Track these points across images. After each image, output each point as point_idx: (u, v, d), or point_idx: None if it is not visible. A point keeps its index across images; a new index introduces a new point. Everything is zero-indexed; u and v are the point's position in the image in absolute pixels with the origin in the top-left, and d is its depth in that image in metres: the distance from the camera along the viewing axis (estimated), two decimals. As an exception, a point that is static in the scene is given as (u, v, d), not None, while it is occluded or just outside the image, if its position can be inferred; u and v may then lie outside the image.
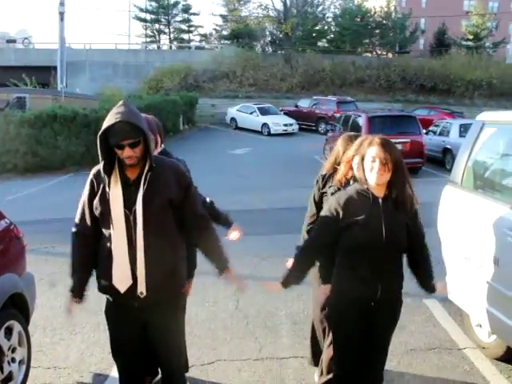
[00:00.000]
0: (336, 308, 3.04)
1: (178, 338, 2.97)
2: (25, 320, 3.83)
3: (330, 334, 3.12)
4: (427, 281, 3.06)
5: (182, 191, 2.72)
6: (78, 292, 2.85)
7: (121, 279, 2.68)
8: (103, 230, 2.72)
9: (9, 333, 3.54)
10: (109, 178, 2.64)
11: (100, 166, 2.68)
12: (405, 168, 2.86)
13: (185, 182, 2.74)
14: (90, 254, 2.80)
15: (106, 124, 2.56)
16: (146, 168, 2.63)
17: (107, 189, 2.65)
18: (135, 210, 2.62)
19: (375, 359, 2.99)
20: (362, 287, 2.86)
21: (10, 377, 3.50)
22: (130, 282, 2.67)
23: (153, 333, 2.83)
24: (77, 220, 2.82)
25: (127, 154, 2.55)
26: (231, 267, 2.95)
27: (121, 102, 2.65)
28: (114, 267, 2.68)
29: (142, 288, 2.68)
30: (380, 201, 2.84)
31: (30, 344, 3.86)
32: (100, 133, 2.58)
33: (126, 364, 2.95)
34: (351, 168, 3.06)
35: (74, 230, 2.83)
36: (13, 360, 3.56)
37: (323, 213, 2.99)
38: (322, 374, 3.35)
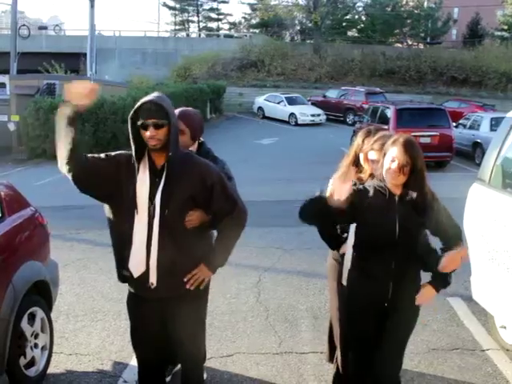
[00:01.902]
0: (349, 308, 3.01)
1: (196, 332, 2.97)
2: (48, 307, 3.91)
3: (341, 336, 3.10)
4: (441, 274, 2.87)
5: (207, 190, 2.69)
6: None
7: (136, 264, 2.71)
8: (125, 215, 2.73)
9: (32, 319, 3.61)
10: (138, 164, 2.67)
11: (129, 153, 2.71)
12: (424, 173, 2.75)
13: (210, 180, 2.70)
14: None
15: (136, 105, 2.62)
16: (170, 154, 2.63)
17: (136, 174, 2.67)
18: (155, 201, 2.64)
19: (389, 362, 2.93)
20: (373, 285, 2.82)
21: (32, 362, 3.58)
22: (143, 268, 2.69)
23: (171, 326, 2.84)
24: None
25: (151, 133, 2.56)
26: (213, 271, 2.83)
27: (157, 92, 2.74)
28: (132, 251, 2.71)
29: (152, 279, 2.70)
30: (396, 198, 2.77)
31: (53, 330, 3.94)
32: (130, 114, 2.62)
33: (145, 355, 2.98)
34: (368, 162, 3.02)
35: None
36: (35, 346, 3.64)
37: None
38: (336, 370, 3.34)
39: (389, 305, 2.85)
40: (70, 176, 2.63)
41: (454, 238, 2.85)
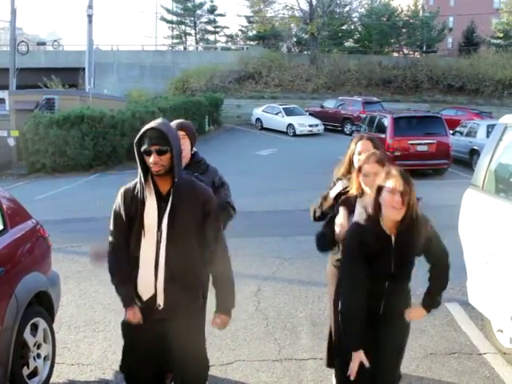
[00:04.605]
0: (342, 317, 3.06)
1: (197, 344, 3.00)
2: (50, 317, 3.96)
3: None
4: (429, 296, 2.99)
5: (204, 215, 2.79)
6: (129, 303, 2.84)
7: (144, 288, 2.79)
8: (132, 237, 2.81)
9: (34, 329, 3.67)
10: (144, 189, 2.75)
11: (131, 184, 2.82)
12: (416, 205, 2.71)
13: (209, 207, 2.81)
14: (126, 267, 2.82)
15: (140, 133, 2.72)
16: (174, 180, 2.73)
17: (144, 198, 2.75)
18: (162, 225, 2.73)
19: (384, 373, 2.97)
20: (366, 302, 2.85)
21: (35, 372, 3.63)
22: (152, 291, 2.77)
23: (171, 340, 2.86)
24: (111, 227, 2.88)
25: (154, 159, 2.64)
26: (229, 314, 2.93)
27: (160, 118, 2.88)
28: (139, 276, 2.78)
29: (160, 300, 2.77)
30: (393, 238, 2.76)
31: (55, 341, 3.99)
32: (136, 140, 2.71)
33: (138, 375, 2.96)
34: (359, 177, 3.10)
35: (110, 239, 2.89)
36: (38, 356, 3.69)
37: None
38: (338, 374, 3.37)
39: (380, 318, 2.90)
40: None
41: (440, 262, 2.93)
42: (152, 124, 2.71)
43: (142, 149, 2.68)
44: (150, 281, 2.76)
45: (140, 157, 2.71)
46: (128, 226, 2.79)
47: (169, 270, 2.73)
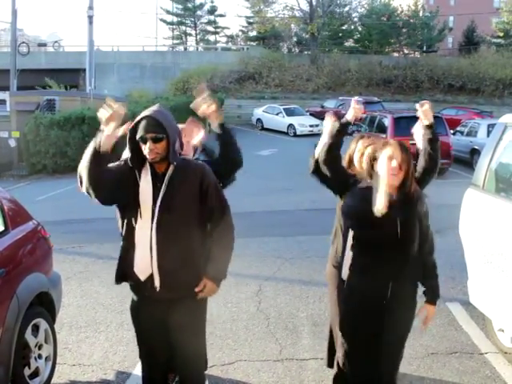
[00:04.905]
0: (348, 306, 3.06)
1: (196, 337, 3.01)
2: (51, 318, 3.97)
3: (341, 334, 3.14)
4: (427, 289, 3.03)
5: (202, 191, 2.80)
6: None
7: (141, 268, 2.79)
8: (128, 219, 2.82)
9: (36, 330, 3.67)
10: (139, 171, 2.76)
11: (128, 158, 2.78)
12: (413, 173, 2.89)
13: (207, 181, 2.81)
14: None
15: (136, 120, 2.71)
16: (170, 160, 2.73)
17: (138, 180, 2.75)
18: (157, 205, 2.73)
19: (385, 363, 2.99)
20: (372, 284, 2.88)
21: (36, 372, 3.63)
22: (149, 270, 2.77)
23: (172, 330, 2.89)
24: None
25: (149, 147, 2.65)
26: (216, 282, 2.88)
27: (157, 105, 2.86)
28: (136, 255, 2.79)
29: (156, 281, 2.78)
30: (394, 197, 2.83)
31: (56, 341, 4.00)
32: (130, 127, 2.71)
33: (152, 362, 3.01)
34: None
35: None
36: (39, 356, 3.69)
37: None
38: (337, 371, 3.39)
39: (387, 303, 2.91)
40: (93, 198, 2.70)
41: (425, 245, 2.96)
42: (147, 112, 2.72)
43: (138, 136, 2.68)
44: (146, 261, 2.76)
45: (132, 144, 2.71)
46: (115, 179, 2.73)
47: (165, 250, 2.74)
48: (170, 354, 3.01)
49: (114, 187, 2.73)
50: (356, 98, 3.48)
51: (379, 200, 2.75)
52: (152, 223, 2.74)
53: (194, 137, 3.56)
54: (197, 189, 2.78)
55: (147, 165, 2.77)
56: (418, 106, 3.20)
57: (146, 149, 2.67)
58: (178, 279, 2.78)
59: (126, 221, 2.84)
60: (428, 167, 3.18)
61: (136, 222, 2.78)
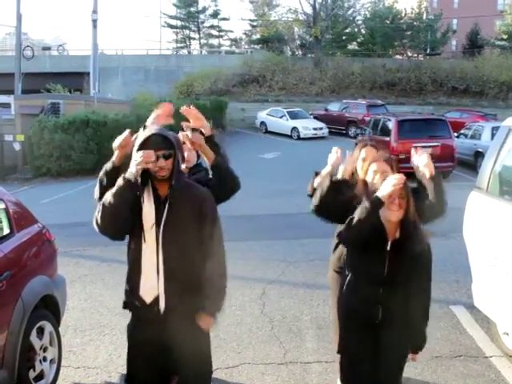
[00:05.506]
0: (344, 323, 3.07)
1: (200, 340, 3.01)
2: (56, 321, 3.98)
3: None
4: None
5: (201, 216, 2.80)
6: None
7: (147, 291, 2.79)
8: (132, 242, 2.83)
9: (41, 333, 3.69)
10: (142, 194, 2.77)
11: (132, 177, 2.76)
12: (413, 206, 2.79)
13: (206, 209, 2.81)
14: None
15: (141, 138, 2.71)
16: (173, 183, 2.73)
17: (141, 203, 2.76)
18: (161, 227, 2.74)
19: (385, 379, 2.98)
20: (364, 306, 2.89)
21: (41, 375, 3.65)
22: (156, 292, 2.77)
23: (174, 342, 2.84)
24: None
25: (160, 164, 2.66)
26: (213, 316, 2.87)
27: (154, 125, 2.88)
28: (142, 279, 2.79)
29: (162, 303, 2.77)
30: (389, 245, 2.81)
31: (61, 344, 4.01)
32: (137, 147, 2.71)
33: (142, 377, 2.94)
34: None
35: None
36: (44, 359, 3.71)
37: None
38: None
39: (380, 324, 2.91)
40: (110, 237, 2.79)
41: (421, 285, 2.92)
42: (152, 130, 2.74)
43: None
44: (152, 282, 2.76)
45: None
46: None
47: (168, 271, 2.74)
48: (169, 359, 2.97)
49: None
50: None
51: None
52: (157, 245, 2.75)
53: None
54: (197, 212, 2.79)
55: (149, 187, 2.78)
56: (413, 152, 3.09)
57: (156, 166, 2.67)
58: (183, 300, 2.78)
59: (130, 244, 2.85)
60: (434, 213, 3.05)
61: (140, 245, 2.78)
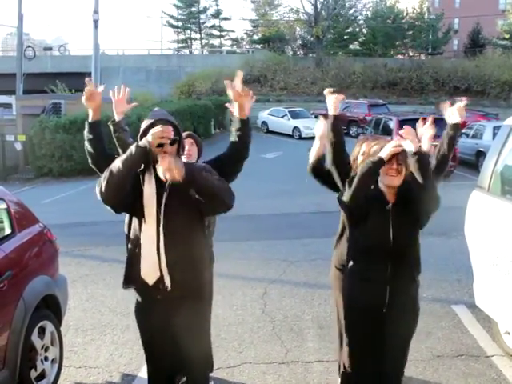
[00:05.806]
0: (348, 316, 3.07)
1: (202, 336, 3.02)
2: (57, 320, 3.99)
3: (345, 337, 3.14)
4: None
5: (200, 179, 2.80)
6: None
7: (148, 272, 2.81)
8: (133, 224, 2.85)
9: (42, 332, 3.69)
10: (143, 176, 2.78)
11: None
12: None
13: (197, 173, 2.77)
14: None
15: (145, 124, 2.73)
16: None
17: (141, 186, 2.77)
18: (162, 209, 2.75)
19: (390, 368, 2.98)
20: (371, 290, 2.88)
21: (42, 374, 3.65)
22: (157, 274, 2.79)
23: (177, 329, 2.89)
24: None
25: (166, 148, 2.66)
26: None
27: (156, 108, 2.93)
28: (142, 260, 2.80)
29: (167, 281, 2.79)
30: (390, 206, 2.86)
31: (62, 344, 4.01)
32: (141, 133, 2.73)
33: (157, 365, 3.01)
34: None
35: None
36: (45, 359, 3.71)
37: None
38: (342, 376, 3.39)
39: (387, 310, 2.90)
40: (109, 207, 2.75)
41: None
42: (157, 115, 2.76)
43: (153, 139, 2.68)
44: (154, 264, 2.78)
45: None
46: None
47: (172, 251, 2.76)
48: (176, 356, 3.01)
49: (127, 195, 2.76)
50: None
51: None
52: (158, 227, 2.76)
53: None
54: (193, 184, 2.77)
55: (151, 169, 2.78)
56: (448, 103, 3.27)
57: (163, 152, 2.67)
58: (187, 277, 2.80)
59: (131, 225, 2.87)
60: (438, 169, 3.18)
61: (141, 226, 2.80)
